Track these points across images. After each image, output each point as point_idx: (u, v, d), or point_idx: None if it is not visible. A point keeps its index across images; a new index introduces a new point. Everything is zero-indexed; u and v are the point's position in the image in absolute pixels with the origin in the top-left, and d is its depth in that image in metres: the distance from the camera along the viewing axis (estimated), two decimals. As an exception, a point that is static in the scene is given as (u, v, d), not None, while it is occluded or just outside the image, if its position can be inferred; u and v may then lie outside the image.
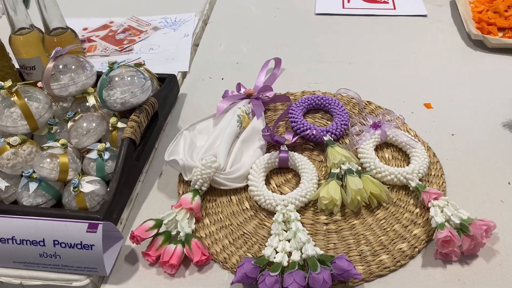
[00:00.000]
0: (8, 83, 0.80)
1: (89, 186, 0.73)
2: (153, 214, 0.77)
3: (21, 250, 0.66)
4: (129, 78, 0.85)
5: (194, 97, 1.05)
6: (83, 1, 1.47)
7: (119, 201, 0.75)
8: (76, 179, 0.72)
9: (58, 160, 0.74)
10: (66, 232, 0.65)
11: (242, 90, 0.99)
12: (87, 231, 0.64)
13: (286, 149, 0.83)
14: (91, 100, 0.86)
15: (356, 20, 1.29)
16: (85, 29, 1.32)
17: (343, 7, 1.33)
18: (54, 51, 0.84)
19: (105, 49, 1.21)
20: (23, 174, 0.74)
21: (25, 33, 0.91)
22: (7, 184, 0.76)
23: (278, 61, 1.09)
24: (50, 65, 0.84)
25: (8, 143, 0.75)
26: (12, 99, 0.80)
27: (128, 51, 1.21)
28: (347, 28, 1.26)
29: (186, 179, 0.78)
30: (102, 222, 0.64)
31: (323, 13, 1.31)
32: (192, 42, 1.22)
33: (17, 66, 0.97)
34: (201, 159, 0.79)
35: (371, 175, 0.77)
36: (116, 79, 0.84)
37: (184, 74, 1.12)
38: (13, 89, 0.79)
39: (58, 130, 0.84)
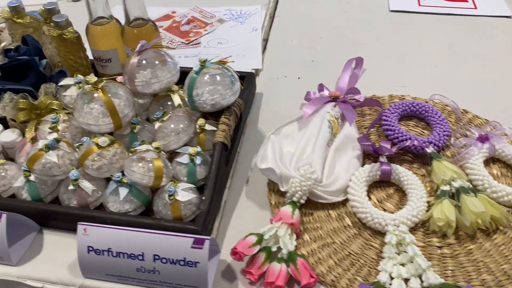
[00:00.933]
0: (93, 78, 0.74)
1: (185, 194, 0.67)
2: (244, 225, 0.72)
3: (117, 262, 0.61)
4: (218, 78, 0.79)
5: (271, 97, 0.98)
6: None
7: (213, 210, 0.70)
8: (171, 187, 0.67)
9: (150, 165, 0.68)
10: (169, 246, 0.60)
11: (326, 92, 0.93)
12: (192, 247, 0.59)
13: (386, 160, 0.77)
14: (176, 99, 0.80)
15: (433, 19, 1.21)
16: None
17: (419, 5, 1.25)
18: (139, 45, 0.78)
19: (171, 41, 1.15)
20: (113, 178, 0.68)
21: (103, 23, 0.85)
22: (94, 188, 0.71)
23: (359, 61, 1.02)
24: (135, 59, 0.78)
25: (97, 144, 0.69)
26: (96, 95, 0.75)
27: (195, 44, 1.14)
28: (424, 27, 1.18)
29: (282, 189, 0.72)
30: (208, 238, 0.59)
31: (398, 10, 1.24)
32: (261, 37, 1.16)
33: (90, 57, 0.92)
34: (297, 169, 0.73)
35: (487, 195, 0.70)
36: (205, 78, 0.78)
37: (257, 72, 1.06)
38: (100, 85, 0.74)
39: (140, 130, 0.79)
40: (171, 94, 0.81)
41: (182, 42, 1.15)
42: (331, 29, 1.18)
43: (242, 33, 1.17)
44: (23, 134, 0.80)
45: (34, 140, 0.75)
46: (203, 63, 0.77)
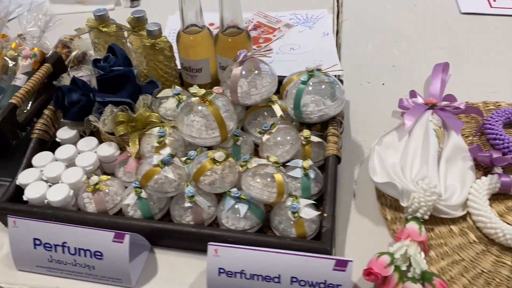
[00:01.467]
0: (200, 90, 0.72)
1: (309, 211, 0.64)
2: (362, 243, 0.69)
3: (250, 285, 0.58)
4: (323, 87, 0.76)
5: (358, 104, 0.95)
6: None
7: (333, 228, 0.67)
8: (295, 203, 0.64)
9: (269, 179, 0.66)
10: (308, 268, 0.57)
11: (419, 99, 0.89)
12: (333, 269, 0.56)
13: (502, 171, 0.74)
14: (278, 110, 0.77)
15: (508, 22, 1.17)
16: (211, 24, 1.23)
17: (491, 6, 1.22)
18: (241, 55, 0.76)
19: (242, 47, 1.13)
20: (232, 194, 0.66)
21: (195, 31, 0.82)
22: (209, 204, 0.68)
23: (446, 66, 0.99)
24: (237, 70, 0.76)
25: (213, 159, 0.66)
26: (200, 107, 0.73)
27: (267, 51, 1.10)
28: (499, 29, 1.14)
29: (404, 205, 0.69)
30: (351, 260, 0.56)
31: (469, 13, 1.21)
32: (335, 41, 1.13)
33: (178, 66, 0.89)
34: (416, 183, 0.70)
35: None
36: (311, 87, 0.75)
37: (337, 77, 1.03)
38: (210, 98, 0.71)
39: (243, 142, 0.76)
40: (272, 105, 0.78)
41: (253, 49, 1.12)
42: (404, 33, 1.15)
43: (313, 38, 1.14)
44: (119, 147, 0.78)
45: (138, 154, 0.73)
46: (312, 72, 0.74)
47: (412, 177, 0.72)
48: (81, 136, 0.81)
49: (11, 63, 0.81)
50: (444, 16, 1.20)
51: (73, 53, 1.05)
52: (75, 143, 0.80)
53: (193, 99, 0.72)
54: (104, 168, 0.78)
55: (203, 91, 0.71)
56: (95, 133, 0.83)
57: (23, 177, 0.72)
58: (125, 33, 0.89)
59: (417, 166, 0.75)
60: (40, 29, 0.85)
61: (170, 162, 0.66)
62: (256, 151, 0.80)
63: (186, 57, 0.84)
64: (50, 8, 1.35)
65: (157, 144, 0.72)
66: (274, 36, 1.16)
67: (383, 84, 1.00)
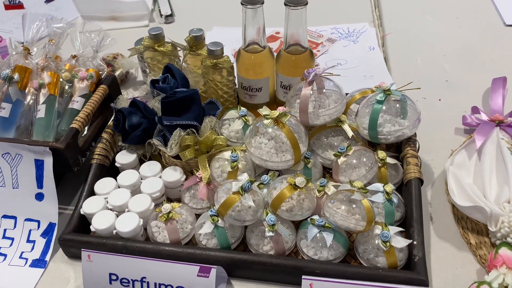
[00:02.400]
0: (274, 112, 0.69)
1: (400, 240, 0.61)
2: (449, 270, 0.66)
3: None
4: (397, 105, 0.73)
5: (416, 121, 0.93)
6: (230, 9, 1.36)
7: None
8: (386, 231, 0.61)
9: (354, 206, 0.62)
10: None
11: (483, 116, 0.87)
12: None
13: None
14: (348, 130, 0.74)
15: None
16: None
17: (535, 18, 1.20)
18: (311, 74, 0.73)
19: (287, 63, 1.10)
20: (315, 222, 0.62)
21: (257, 50, 0.79)
22: (290, 233, 0.64)
23: (504, 80, 0.96)
24: (307, 90, 0.73)
25: (294, 185, 0.63)
26: (270, 130, 0.70)
27: (314, 66, 1.09)
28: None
29: (492, 229, 0.66)
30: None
31: (515, 24, 1.19)
32: (382, 56, 1.10)
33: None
34: (503, 206, 0.67)
35: None
36: (386, 107, 0.73)
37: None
38: (285, 120, 0.68)
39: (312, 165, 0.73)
40: (341, 125, 0.75)
41: (316, 65, 1.09)
42: (451, 46, 1.12)
43: (360, 52, 1.12)
44: (184, 172, 0.75)
45: (209, 180, 0.70)
46: (389, 92, 0.71)
47: (493, 199, 0.69)
48: (140, 160, 0.78)
49: (67, 85, 0.78)
50: (488, 28, 1.19)
51: (117, 72, 1.02)
52: (134, 168, 0.78)
53: (266, 121, 0.69)
54: (168, 193, 0.75)
55: (276, 112, 0.68)
56: (153, 156, 0.80)
57: (87, 206, 0.69)
58: (180, 52, 0.87)
59: (495, 187, 0.73)
60: (93, 49, 0.82)
61: (250, 188, 0.63)
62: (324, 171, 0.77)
63: (246, 77, 0.82)
64: (83, 26, 1.33)
65: (230, 169, 0.68)
66: (318, 51, 1.14)
67: (440, 99, 0.97)
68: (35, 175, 0.70)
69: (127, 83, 1.07)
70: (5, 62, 0.77)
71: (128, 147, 0.78)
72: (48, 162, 0.69)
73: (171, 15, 1.31)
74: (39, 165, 0.70)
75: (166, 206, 0.66)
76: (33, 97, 0.75)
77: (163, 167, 0.76)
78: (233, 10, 1.39)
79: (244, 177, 0.64)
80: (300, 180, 0.64)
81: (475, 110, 0.89)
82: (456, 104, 0.95)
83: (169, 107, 0.74)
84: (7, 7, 1.42)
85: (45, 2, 1.45)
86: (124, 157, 0.77)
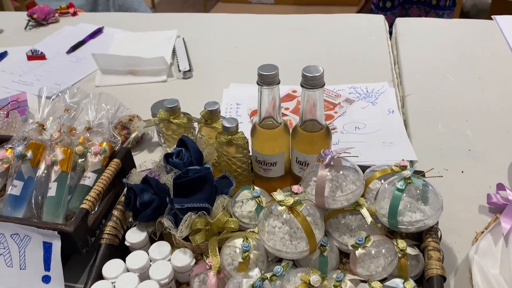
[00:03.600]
0: (289, 199, 0.66)
1: None
2: None
3: None
4: (418, 192, 0.70)
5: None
6: (247, 66, 1.36)
7: None
8: None
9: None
10: None
11: (509, 193, 0.83)
12: None
13: None
14: (367, 215, 0.71)
15: None
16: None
17: (562, 80, 1.16)
18: (327, 156, 0.71)
19: (304, 126, 1.08)
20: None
21: (272, 126, 0.77)
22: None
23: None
24: (324, 171, 0.70)
25: (309, 284, 0.60)
26: (284, 216, 0.67)
27: (331, 130, 1.07)
28: None
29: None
30: None
31: (540, 87, 1.15)
32: (402, 120, 1.07)
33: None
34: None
35: None
36: (406, 194, 0.69)
37: (411, 164, 0.97)
38: (300, 209, 0.65)
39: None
40: (360, 209, 0.72)
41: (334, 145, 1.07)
42: (473, 110, 1.09)
43: (379, 115, 1.09)
44: (194, 255, 0.72)
45: (219, 268, 0.67)
46: (410, 180, 0.68)
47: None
48: (150, 238, 0.76)
49: (80, 160, 0.77)
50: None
51: (133, 135, 1.02)
52: (144, 246, 0.76)
53: (280, 208, 0.66)
54: (177, 277, 0.72)
55: (291, 200, 0.66)
56: (164, 234, 0.77)
57: (94, 292, 0.67)
58: (195, 124, 0.86)
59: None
60: (108, 120, 0.82)
61: (262, 287, 0.60)
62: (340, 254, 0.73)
63: (261, 151, 0.80)
64: (101, 80, 1.35)
65: (241, 260, 0.66)
66: (336, 112, 1.12)
67: (462, 172, 0.93)
68: (43, 257, 0.69)
69: (142, 145, 1.07)
70: (20, 135, 0.76)
71: (138, 224, 0.76)
72: (56, 246, 0.68)
73: (190, 70, 1.31)
74: (47, 247, 0.68)
75: (176, 299, 0.64)
76: (45, 172, 0.75)
77: (173, 247, 0.74)
78: (251, 67, 1.39)
79: (255, 273, 0.61)
80: (315, 279, 0.60)
81: (500, 187, 0.85)
82: (480, 177, 0.91)
83: (181, 187, 0.72)
84: (30, 58, 1.45)
85: (66, 53, 1.48)
86: (134, 236, 0.75)
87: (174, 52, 1.41)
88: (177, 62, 1.35)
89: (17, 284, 0.70)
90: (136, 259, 0.72)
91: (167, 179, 0.77)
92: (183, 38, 1.49)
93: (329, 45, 1.41)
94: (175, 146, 0.84)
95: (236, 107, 1.17)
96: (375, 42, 1.41)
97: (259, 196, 0.73)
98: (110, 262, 0.71)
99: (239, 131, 0.78)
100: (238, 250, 0.68)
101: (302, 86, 0.73)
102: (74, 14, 1.76)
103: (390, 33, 1.48)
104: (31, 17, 1.68)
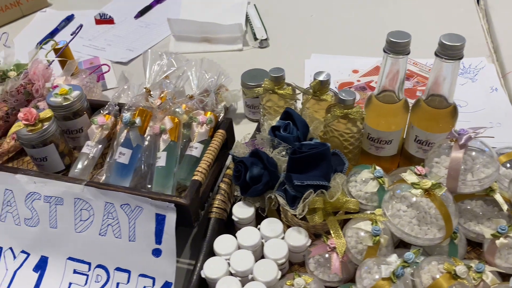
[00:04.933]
0: (426, 182, 0.60)
1: None
2: None
3: None
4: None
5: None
6: (328, 36, 1.28)
7: None
8: None
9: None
10: None
11: None
12: None
13: None
14: (502, 202, 0.65)
15: None
16: (355, 71, 1.13)
17: None
18: (463, 136, 0.64)
19: (399, 102, 1.01)
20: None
21: (392, 100, 0.71)
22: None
23: None
24: (459, 153, 0.64)
25: (454, 274, 0.55)
26: (414, 200, 0.62)
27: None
28: None
29: None
30: None
31: None
32: (508, 100, 0.99)
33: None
34: None
35: None
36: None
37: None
38: (440, 193, 0.60)
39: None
40: (493, 195, 0.66)
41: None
42: None
43: (480, 94, 1.01)
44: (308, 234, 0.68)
45: (343, 252, 0.63)
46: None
47: None
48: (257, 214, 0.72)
49: (184, 129, 0.73)
50: None
51: (220, 105, 0.97)
52: (251, 222, 0.72)
53: (414, 191, 0.61)
54: (290, 257, 0.69)
55: (428, 183, 0.60)
56: (269, 211, 0.73)
57: (209, 269, 0.63)
58: (300, 96, 0.80)
59: None
60: (211, 89, 0.77)
61: (403, 275, 0.55)
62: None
63: (376, 128, 0.74)
64: (175, 47, 1.30)
65: (370, 244, 0.61)
66: (432, 89, 1.04)
67: None
68: (154, 230, 0.65)
69: (227, 116, 1.02)
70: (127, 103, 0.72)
71: (245, 199, 0.72)
72: (171, 218, 0.64)
73: (266, 39, 1.25)
74: (160, 220, 0.65)
75: (299, 281, 0.59)
76: (151, 142, 0.71)
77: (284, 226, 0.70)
78: (331, 37, 1.32)
79: (393, 259, 0.56)
80: (462, 269, 0.55)
81: None
82: None
83: (298, 163, 0.67)
84: (98, 22, 1.41)
85: (134, 17, 1.43)
86: (241, 211, 0.71)
87: (247, 19, 1.35)
88: (252, 30, 1.29)
89: (125, 256, 0.68)
90: (247, 235, 0.68)
91: (277, 152, 0.72)
92: (254, 5, 1.42)
93: (415, 16, 1.32)
94: (276, 119, 0.79)
95: (322, 79, 1.10)
96: (463, 14, 1.30)
97: (382, 177, 0.68)
98: (221, 238, 0.68)
99: (355, 105, 0.72)
100: (363, 233, 0.63)
101: (437, 55, 0.65)
102: (137, -23, 1.71)
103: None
104: (95, -20, 1.63)
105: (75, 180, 0.67)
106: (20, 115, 0.69)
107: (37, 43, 1.31)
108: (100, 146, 0.75)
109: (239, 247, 0.67)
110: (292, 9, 1.42)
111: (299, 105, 0.85)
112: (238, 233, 0.68)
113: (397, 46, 0.66)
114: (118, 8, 1.51)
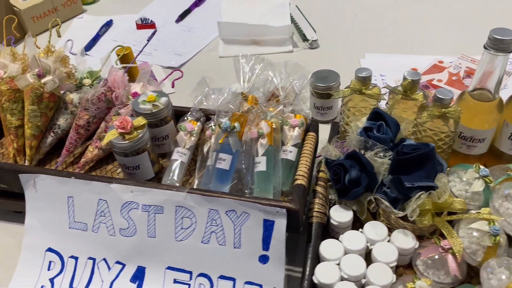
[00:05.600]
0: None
1: None
2: None
3: None
4: None
5: None
6: (378, 35, 1.28)
7: None
8: None
9: None
10: None
11: None
12: None
13: None
14: None
15: None
16: (414, 69, 1.11)
17: None
18: None
19: (465, 100, 1.01)
20: None
21: (487, 98, 0.71)
22: None
23: None
24: None
25: None
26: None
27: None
28: None
29: None
30: None
31: None
32: None
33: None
34: None
35: None
36: None
37: None
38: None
39: None
40: None
41: None
42: None
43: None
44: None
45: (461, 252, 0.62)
46: None
47: None
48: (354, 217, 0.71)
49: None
50: None
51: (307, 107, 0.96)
52: (349, 227, 0.71)
53: (530, 189, 0.60)
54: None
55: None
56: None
57: (321, 274, 0.62)
58: (385, 96, 0.80)
59: None
60: (296, 92, 0.76)
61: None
62: None
63: (469, 126, 0.73)
64: (224, 50, 1.28)
65: (489, 243, 0.60)
66: (495, 85, 1.04)
67: None
68: (262, 236, 0.64)
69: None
70: (221, 107, 0.71)
71: (340, 202, 0.71)
72: (281, 224, 0.63)
73: (316, 40, 1.24)
74: (267, 225, 0.64)
75: (422, 284, 0.59)
76: (249, 147, 0.70)
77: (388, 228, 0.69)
78: (381, 36, 1.30)
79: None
80: None
81: None
82: None
83: (402, 164, 0.67)
84: (139, 27, 1.40)
85: (175, 21, 1.42)
86: (340, 214, 0.70)
87: (292, 20, 1.34)
88: (301, 31, 1.28)
89: (230, 263, 0.66)
90: (353, 239, 0.67)
91: (373, 154, 0.71)
92: (296, 6, 1.41)
93: (464, 11, 1.32)
94: (362, 119, 0.78)
95: (382, 79, 1.10)
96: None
97: (488, 176, 0.67)
98: (326, 242, 0.67)
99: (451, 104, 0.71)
100: (476, 233, 0.62)
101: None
102: (169, -19, 1.70)
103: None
104: (128, -16, 1.62)
105: (177, 188, 0.66)
106: (116, 123, 0.68)
107: (83, 48, 1.30)
108: (189, 152, 0.74)
109: (345, 252, 0.66)
110: (335, 9, 1.42)
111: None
112: (343, 238, 0.67)
113: (500, 44, 0.65)
114: (155, 12, 1.50)
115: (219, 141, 0.68)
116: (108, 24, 1.44)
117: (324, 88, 0.93)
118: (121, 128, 0.68)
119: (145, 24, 1.40)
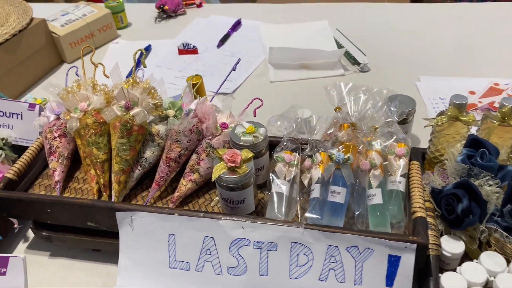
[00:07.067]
0: None
1: None
2: None
3: None
4: None
5: None
6: (430, 57, 1.29)
7: None
8: None
9: None
10: None
11: None
12: None
13: None
14: None
15: None
16: (471, 92, 1.13)
17: None
18: None
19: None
20: None
21: None
22: None
23: None
24: None
25: None
26: None
27: None
28: None
29: None
30: None
31: None
32: None
33: None
34: None
35: None
36: None
37: None
38: None
39: None
40: None
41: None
42: None
43: None
44: None
45: None
46: None
47: None
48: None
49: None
50: None
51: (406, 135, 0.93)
52: (458, 258, 0.69)
53: None
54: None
55: None
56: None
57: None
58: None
59: None
60: (394, 120, 0.74)
61: None
62: None
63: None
64: (275, 75, 1.27)
65: None
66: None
67: None
68: (386, 272, 0.62)
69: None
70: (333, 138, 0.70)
71: (449, 233, 0.70)
72: (408, 259, 0.61)
73: (367, 63, 1.24)
74: (393, 261, 0.62)
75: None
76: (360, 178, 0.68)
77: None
78: (439, 58, 1.31)
79: None
80: None
81: None
82: None
83: (519, 193, 0.66)
84: (181, 52, 1.38)
85: (216, 46, 1.41)
86: (452, 246, 0.68)
87: (338, 44, 1.34)
88: (349, 54, 1.28)
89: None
90: (472, 271, 0.65)
91: (482, 182, 0.71)
92: (337, 29, 1.42)
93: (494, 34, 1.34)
94: (457, 146, 0.77)
95: (442, 102, 1.10)
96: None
97: None
98: (447, 275, 0.65)
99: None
100: None
101: None
102: (200, 5, 1.69)
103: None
104: (161, 9, 1.61)
105: (293, 224, 0.63)
106: (226, 157, 0.65)
107: (127, 75, 1.27)
108: (289, 184, 0.71)
109: (468, 285, 0.64)
110: (376, 32, 1.42)
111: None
112: (462, 270, 0.66)
113: None
114: (191, 37, 1.48)
115: (329, 174, 0.66)
116: (147, 49, 1.42)
117: (399, 114, 0.92)
118: (231, 162, 0.65)
119: (187, 49, 1.38)
